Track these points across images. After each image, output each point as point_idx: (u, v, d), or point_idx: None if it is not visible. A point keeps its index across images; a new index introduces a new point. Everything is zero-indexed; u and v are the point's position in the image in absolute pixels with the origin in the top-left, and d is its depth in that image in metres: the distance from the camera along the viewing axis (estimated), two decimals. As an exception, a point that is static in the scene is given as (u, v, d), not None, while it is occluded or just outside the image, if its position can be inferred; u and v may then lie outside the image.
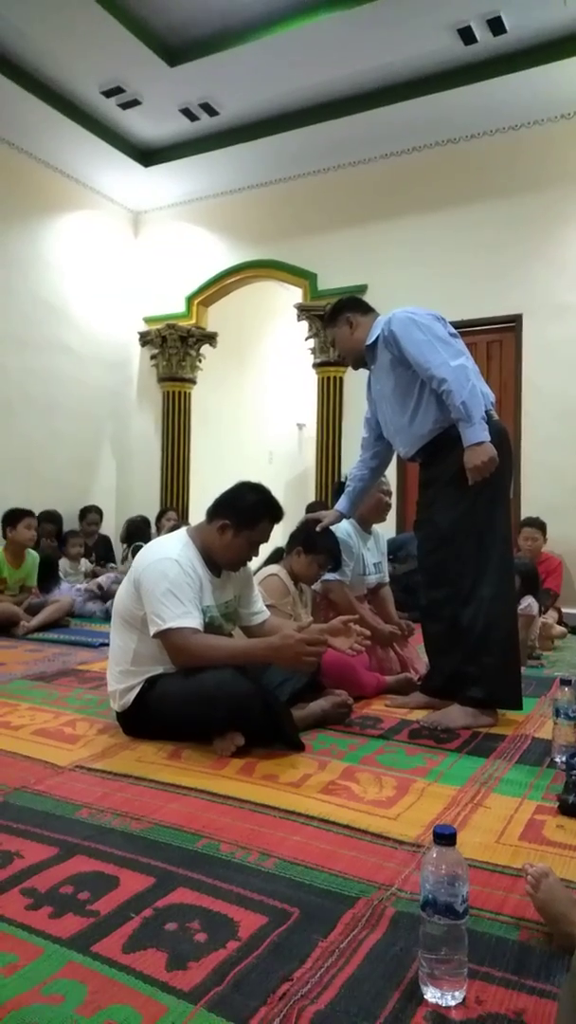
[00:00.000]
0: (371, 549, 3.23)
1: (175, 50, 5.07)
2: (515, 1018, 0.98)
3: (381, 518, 3.25)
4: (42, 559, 5.15)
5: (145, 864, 1.39)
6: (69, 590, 4.99)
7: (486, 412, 2.41)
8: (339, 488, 3.10)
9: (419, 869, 1.15)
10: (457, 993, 1.01)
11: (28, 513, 4.60)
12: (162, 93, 5.45)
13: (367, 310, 2.76)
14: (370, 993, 1.02)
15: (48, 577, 5.05)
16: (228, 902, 1.26)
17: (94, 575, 5.67)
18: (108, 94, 5.47)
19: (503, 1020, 0.97)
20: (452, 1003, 1.00)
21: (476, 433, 2.34)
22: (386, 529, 3.44)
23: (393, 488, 3.36)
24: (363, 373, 2.87)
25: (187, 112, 5.69)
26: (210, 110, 5.66)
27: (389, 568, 3.46)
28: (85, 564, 5.69)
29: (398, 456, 2.81)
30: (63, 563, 5.49)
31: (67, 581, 5.26)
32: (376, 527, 3.30)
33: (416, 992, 1.02)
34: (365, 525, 3.20)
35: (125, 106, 5.63)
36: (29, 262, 6.15)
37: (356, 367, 2.82)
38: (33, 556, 4.66)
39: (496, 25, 4.62)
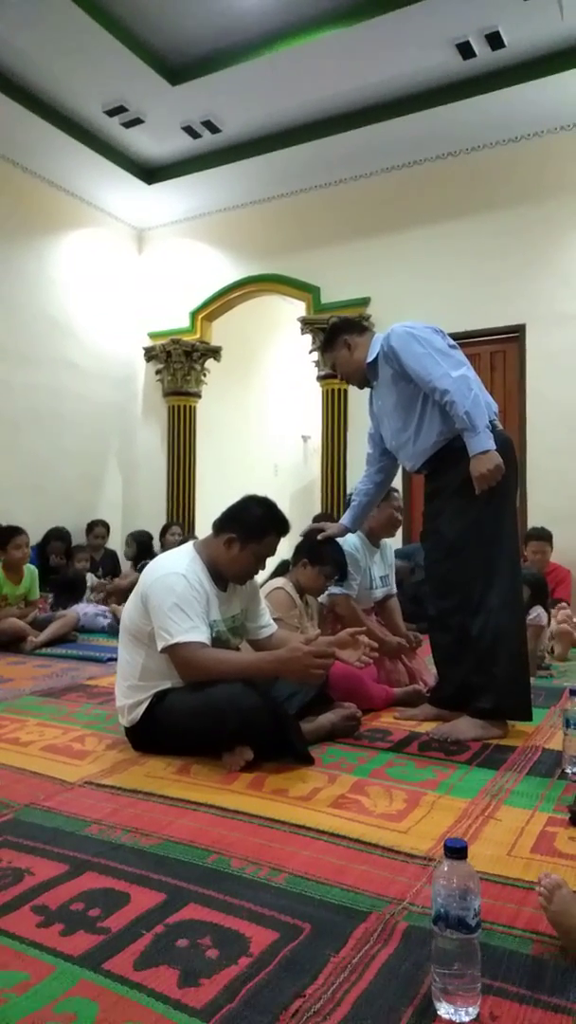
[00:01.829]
0: (378, 562, 3.23)
1: (177, 69, 5.13)
2: (530, 1034, 0.97)
3: (391, 533, 3.26)
4: (70, 577, 5.18)
5: (156, 880, 1.39)
6: (86, 607, 4.99)
7: (490, 422, 2.42)
8: (349, 503, 3.10)
9: (430, 883, 1.14)
10: (471, 1009, 1.00)
11: (18, 532, 4.52)
12: (164, 111, 5.51)
13: (363, 330, 2.78)
14: (383, 1009, 1.02)
15: (69, 594, 5.06)
16: (239, 918, 1.26)
17: (102, 589, 5.67)
18: (111, 113, 5.54)
19: (518, 1036, 0.97)
20: (466, 1019, 0.99)
21: (481, 442, 2.35)
22: (393, 541, 3.44)
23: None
24: (366, 384, 2.88)
25: (189, 130, 5.75)
26: (212, 127, 5.72)
27: (398, 576, 3.45)
28: (91, 579, 5.69)
29: (403, 468, 2.81)
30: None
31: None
32: (384, 539, 3.30)
33: (429, 1008, 1.01)
34: (374, 539, 3.20)
35: (128, 124, 5.70)
36: (34, 279, 6.21)
37: (361, 387, 2.83)
38: (31, 570, 4.66)
39: (494, 40, 4.66)
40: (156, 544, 6.31)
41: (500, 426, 2.51)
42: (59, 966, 1.11)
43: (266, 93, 5.26)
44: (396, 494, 3.19)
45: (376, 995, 1.05)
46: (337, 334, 2.77)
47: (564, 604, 4.82)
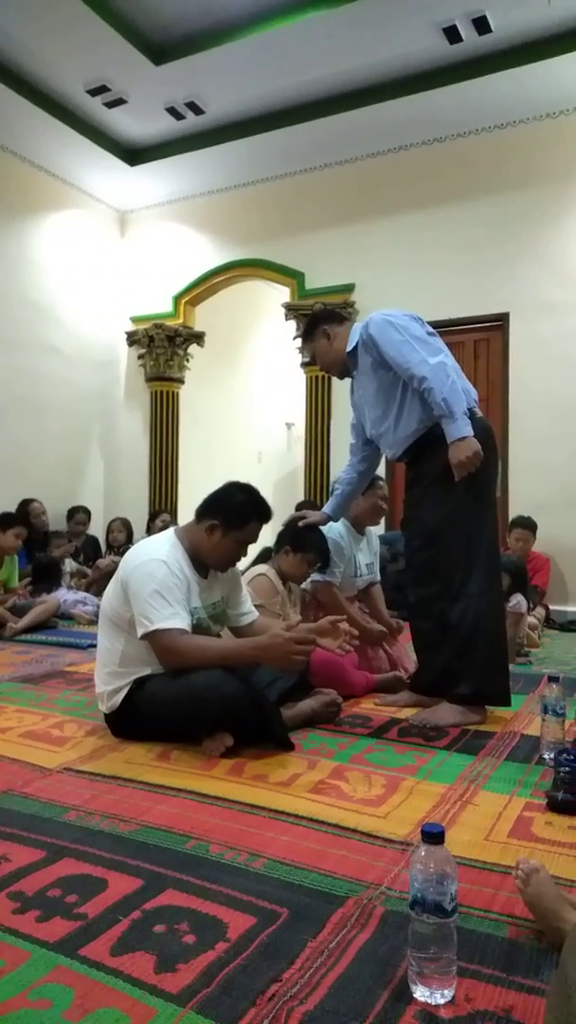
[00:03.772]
0: (363, 550, 3.24)
1: (160, 48, 5.05)
2: (504, 1015, 0.98)
3: (375, 521, 3.26)
4: (45, 563, 5.15)
5: (133, 866, 1.39)
6: (66, 593, 4.96)
7: (469, 409, 2.42)
8: (334, 491, 3.10)
9: (408, 867, 1.15)
10: (446, 991, 1.00)
11: (18, 521, 4.62)
12: (148, 92, 5.43)
13: (342, 320, 2.78)
14: (359, 993, 1.02)
15: (48, 579, 5.02)
16: (217, 903, 1.25)
17: (82, 575, 5.64)
18: (93, 93, 5.45)
19: (492, 1017, 0.97)
20: (441, 1001, 1.00)
21: (459, 428, 2.35)
22: (376, 528, 3.45)
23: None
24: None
25: (173, 111, 5.67)
26: (196, 109, 5.64)
27: (380, 563, 3.46)
28: (70, 564, 5.66)
29: (385, 456, 2.81)
30: None
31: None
32: (369, 527, 3.30)
33: (405, 991, 1.02)
34: (359, 527, 3.21)
35: (110, 105, 5.61)
36: (15, 262, 6.12)
37: (341, 377, 2.83)
38: (12, 557, 4.65)
39: (481, 24, 4.63)
40: (142, 531, 6.29)
41: (480, 413, 2.51)
42: (35, 952, 1.10)
43: (251, 75, 5.19)
44: (381, 483, 3.19)
45: (353, 979, 1.05)
46: (316, 324, 2.76)
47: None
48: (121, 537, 6.18)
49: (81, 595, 5.05)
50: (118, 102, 5.57)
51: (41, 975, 1.05)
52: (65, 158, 6.18)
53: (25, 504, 5.66)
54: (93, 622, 4.65)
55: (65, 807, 1.68)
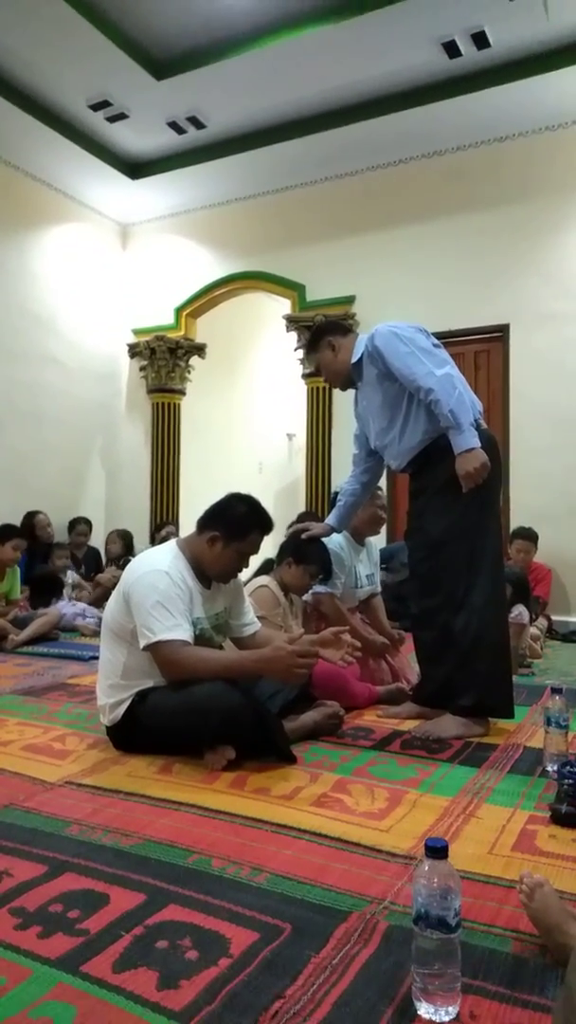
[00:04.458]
0: (364, 561, 3.23)
1: (162, 63, 5.09)
2: (509, 1032, 0.97)
3: (375, 531, 3.26)
4: (44, 576, 5.15)
5: (136, 881, 1.38)
6: (67, 606, 4.95)
7: (474, 420, 2.43)
8: (334, 500, 3.10)
9: (411, 881, 1.14)
10: (451, 1008, 1.00)
11: (17, 533, 4.61)
12: (149, 106, 5.48)
13: (347, 331, 2.79)
14: (363, 1009, 1.01)
15: (50, 592, 5.02)
16: (220, 918, 1.25)
17: (81, 588, 5.62)
18: (95, 107, 5.49)
19: (497, 1035, 0.97)
20: (446, 1018, 0.99)
21: (466, 440, 2.35)
22: (377, 539, 3.44)
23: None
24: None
25: (174, 125, 5.71)
26: (197, 123, 5.69)
27: (381, 576, 3.46)
28: (72, 576, 5.65)
29: (388, 467, 2.81)
30: None
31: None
32: (369, 538, 3.30)
33: (409, 1008, 1.01)
34: (359, 537, 3.20)
35: (112, 119, 5.66)
36: (17, 275, 6.15)
37: (344, 388, 2.84)
38: (14, 569, 4.65)
39: (480, 39, 4.67)
40: (144, 543, 6.27)
41: (484, 425, 2.52)
42: (36, 969, 1.10)
43: (252, 89, 5.24)
44: (380, 492, 3.19)
45: (356, 995, 1.04)
46: (321, 335, 2.77)
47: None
48: (117, 549, 6.16)
49: (82, 607, 5.04)
50: (120, 116, 5.62)
51: (43, 992, 1.04)
52: (67, 172, 6.23)
53: (31, 516, 5.66)
54: (95, 634, 4.64)
55: (67, 821, 1.67)
